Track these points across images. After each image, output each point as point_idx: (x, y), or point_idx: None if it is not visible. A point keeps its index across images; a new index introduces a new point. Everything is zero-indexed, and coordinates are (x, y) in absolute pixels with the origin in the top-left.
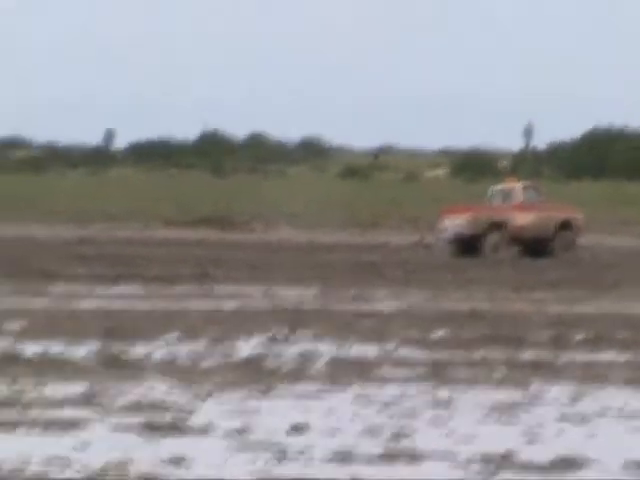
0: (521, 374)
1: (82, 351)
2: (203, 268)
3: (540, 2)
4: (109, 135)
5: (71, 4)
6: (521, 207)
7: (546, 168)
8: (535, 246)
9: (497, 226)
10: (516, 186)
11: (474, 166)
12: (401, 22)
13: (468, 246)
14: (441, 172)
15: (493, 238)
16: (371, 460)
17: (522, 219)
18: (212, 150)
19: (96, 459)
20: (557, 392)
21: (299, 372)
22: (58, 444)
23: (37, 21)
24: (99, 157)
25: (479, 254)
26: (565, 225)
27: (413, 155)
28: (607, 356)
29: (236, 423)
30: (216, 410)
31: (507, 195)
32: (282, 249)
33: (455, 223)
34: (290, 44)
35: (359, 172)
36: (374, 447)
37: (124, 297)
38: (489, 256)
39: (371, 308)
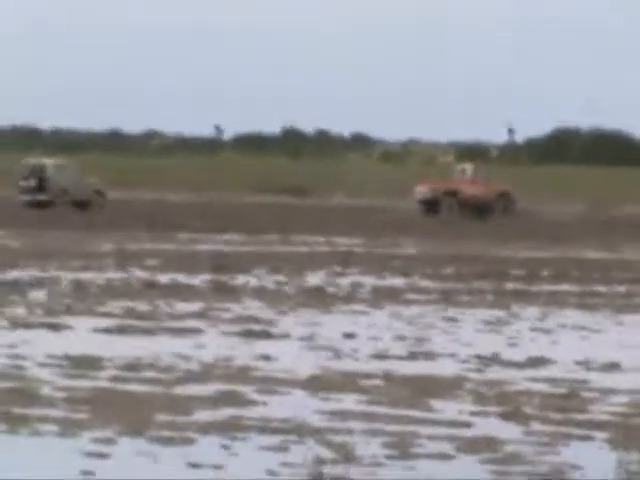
0: (504, 299)
1: (199, 280)
2: (283, 223)
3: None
4: (218, 129)
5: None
6: (470, 181)
7: (523, 156)
8: (481, 209)
9: (451, 194)
10: (468, 167)
11: (472, 154)
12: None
13: (430, 207)
14: (449, 158)
15: (447, 202)
16: (400, 358)
17: (470, 189)
18: (291, 140)
19: (208, 355)
20: (530, 312)
21: (350, 296)
22: (182, 345)
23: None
24: (213, 145)
25: (438, 214)
26: (502, 195)
27: (431, 145)
28: (564, 287)
29: (306, 331)
30: (292, 322)
31: (464, 172)
32: (339, 211)
33: (421, 190)
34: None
35: (393, 157)
36: (402, 349)
37: (229, 243)
38: (445, 215)
39: (398, 252)
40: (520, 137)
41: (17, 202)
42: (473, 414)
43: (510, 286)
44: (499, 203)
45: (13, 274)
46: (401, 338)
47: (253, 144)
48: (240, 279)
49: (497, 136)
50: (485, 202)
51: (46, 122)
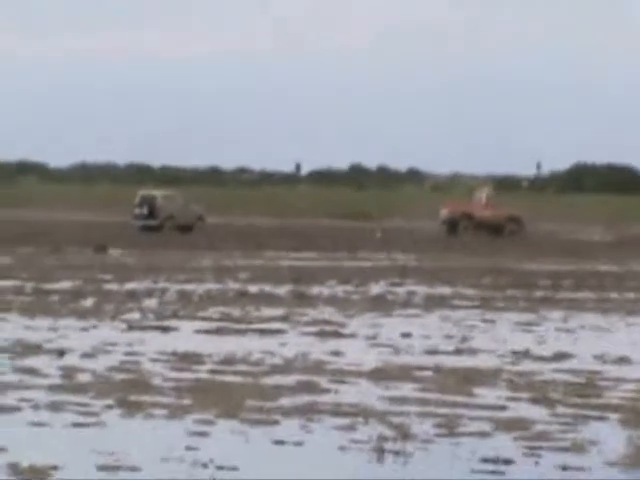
0: (533, 304)
1: (282, 290)
2: (351, 242)
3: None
4: (297, 166)
5: None
6: (483, 206)
7: (549, 187)
8: (492, 230)
9: (467, 216)
10: (483, 194)
11: (506, 185)
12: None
13: (451, 227)
14: (487, 189)
15: (464, 223)
16: (448, 353)
17: (483, 213)
18: (356, 175)
19: (290, 352)
20: (555, 315)
21: (406, 302)
22: (268, 343)
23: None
24: (291, 179)
25: (457, 233)
26: (512, 219)
27: (472, 177)
28: (583, 294)
29: (370, 331)
30: (358, 324)
31: (479, 198)
32: (396, 232)
33: (443, 213)
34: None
35: (441, 188)
36: (450, 346)
37: (306, 259)
38: (462, 235)
39: (446, 265)
40: (546, 170)
41: (132, 227)
42: (508, 399)
43: (538, 294)
44: (508, 225)
45: (130, 285)
46: (449, 337)
47: (325, 178)
48: (315, 289)
49: (527, 169)
50: (495, 224)
51: (156, 160)
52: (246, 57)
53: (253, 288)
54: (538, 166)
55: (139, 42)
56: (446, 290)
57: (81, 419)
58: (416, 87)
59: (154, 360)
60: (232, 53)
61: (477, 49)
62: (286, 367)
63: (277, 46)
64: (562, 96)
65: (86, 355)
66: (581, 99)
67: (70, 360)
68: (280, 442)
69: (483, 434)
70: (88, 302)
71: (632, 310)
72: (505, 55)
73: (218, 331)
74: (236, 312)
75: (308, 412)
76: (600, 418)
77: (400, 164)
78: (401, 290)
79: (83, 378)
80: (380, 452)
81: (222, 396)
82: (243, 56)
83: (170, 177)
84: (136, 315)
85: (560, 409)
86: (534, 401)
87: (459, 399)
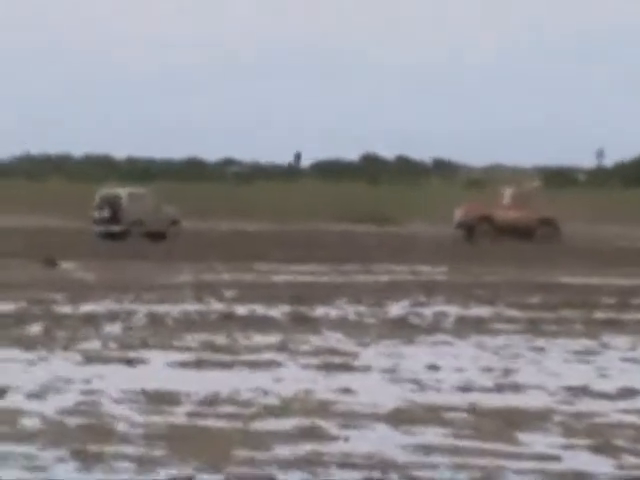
0: (593, 328)
1: (278, 311)
2: (364, 251)
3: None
4: (298, 156)
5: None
6: (506, 206)
7: (614, 180)
8: (518, 235)
9: (485, 219)
10: (507, 191)
11: (559, 178)
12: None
13: (467, 232)
14: (536, 183)
15: (481, 227)
16: (486, 390)
17: (506, 214)
18: (370, 167)
19: (288, 389)
20: (620, 341)
21: (434, 326)
22: (261, 378)
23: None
24: (291, 172)
25: (474, 239)
26: (545, 221)
27: (515, 170)
28: None
29: (388, 363)
30: (374, 354)
31: (503, 197)
32: (419, 239)
33: (457, 215)
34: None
35: (477, 183)
36: (488, 381)
37: (308, 273)
38: (479, 240)
39: (482, 279)
40: (609, 161)
41: (91, 234)
42: (562, 447)
43: (599, 315)
44: (540, 229)
45: (88, 307)
46: (487, 369)
47: (332, 171)
48: (320, 310)
49: (585, 161)
50: (523, 227)
51: (121, 151)
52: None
53: (241, 309)
54: (599, 155)
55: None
56: (483, 311)
57: (27, 475)
58: (445, 59)
59: (118, 401)
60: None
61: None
62: (283, 408)
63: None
64: (625, 72)
65: (33, 395)
66: None
67: (13, 401)
68: None
69: None
70: (35, 328)
71: None
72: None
73: (198, 364)
74: (220, 340)
75: (311, 465)
76: None
77: (424, 154)
78: (427, 311)
79: (29, 423)
80: None
81: (203, 445)
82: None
83: (138, 171)
84: (95, 344)
85: (628, 459)
86: (595, 450)
87: (500, 447)
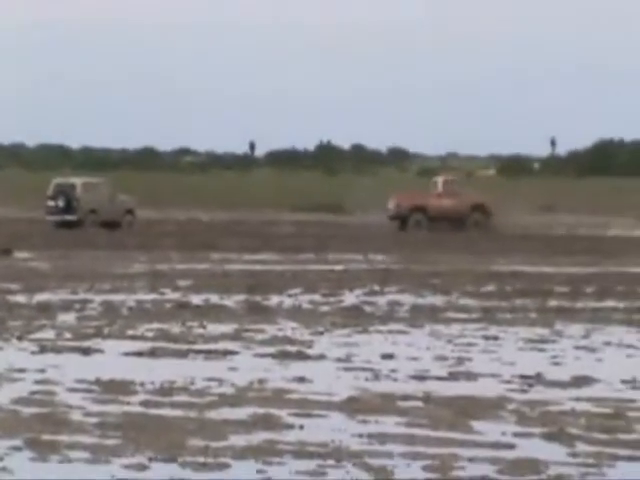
0: (546, 316)
1: (232, 301)
2: (319, 241)
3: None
4: (252, 145)
5: None
6: (439, 195)
7: (568, 169)
8: (452, 224)
9: (419, 209)
10: (439, 180)
11: (513, 167)
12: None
13: (401, 222)
14: (490, 172)
15: (415, 218)
16: (441, 379)
17: (440, 203)
18: (326, 156)
19: (242, 378)
20: (574, 330)
21: (388, 315)
22: (216, 368)
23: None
24: (246, 161)
25: (407, 229)
26: (477, 207)
27: (470, 159)
28: (609, 303)
29: (342, 352)
30: (328, 343)
31: (435, 186)
32: (374, 228)
33: (391, 206)
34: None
35: (431, 172)
36: (442, 369)
37: (262, 262)
38: (411, 231)
39: (436, 268)
40: (562, 150)
41: (45, 223)
42: (516, 435)
43: (553, 303)
44: (472, 217)
45: (42, 297)
46: (441, 358)
47: (287, 160)
48: (274, 299)
49: (539, 150)
50: (456, 216)
51: (75, 141)
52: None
53: (196, 299)
54: (552, 144)
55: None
56: (437, 299)
57: None
58: (395, 48)
59: (72, 390)
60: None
61: None
62: (238, 397)
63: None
64: (577, 66)
65: None
66: (598, 68)
67: None
68: None
69: (484, 479)
70: None
71: None
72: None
73: (152, 353)
74: (175, 329)
75: (265, 453)
76: (630, 458)
77: (379, 143)
78: (381, 300)
79: None
80: None
81: (158, 434)
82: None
83: (93, 161)
84: (50, 334)
85: (581, 447)
86: (548, 437)
87: (455, 436)
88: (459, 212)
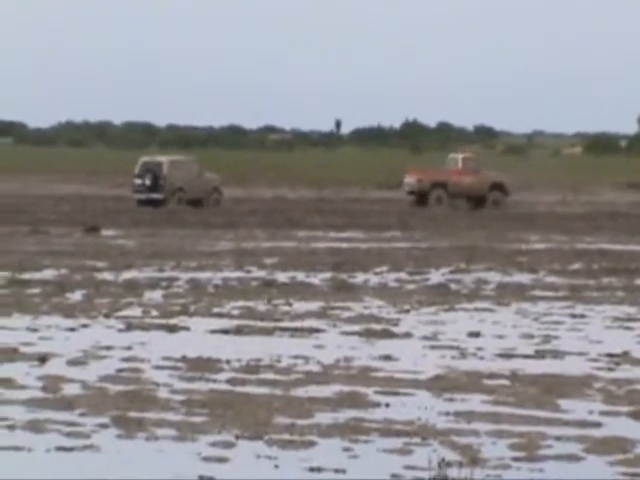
0: (633, 295)
1: (318, 279)
2: (405, 220)
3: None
4: (338, 123)
5: None
6: (459, 172)
7: None
8: (471, 201)
9: (440, 185)
10: (459, 156)
11: (600, 145)
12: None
13: (420, 199)
14: (577, 149)
15: (436, 193)
16: (527, 357)
17: (460, 180)
18: (412, 134)
19: (328, 356)
20: None
21: (474, 293)
22: (302, 345)
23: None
24: (331, 139)
25: (427, 205)
26: (495, 186)
27: (556, 137)
28: None
29: (429, 330)
30: (414, 321)
31: (454, 162)
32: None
33: (408, 182)
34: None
35: (517, 150)
36: (529, 348)
37: (348, 240)
38: (433, 207)
39: (522, 246)
40: None
41: (132, 201)
42: (603, 414)
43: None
44: (491, 195)
45: (129, 274)
46: (527, 336)
47: (372, 138)
48: (360, 277)
49: (626, 127)
50: (475, 194)
51: (161, 119)
52: None
53: (282, 277)
54: (639, 121)
55: None
56: (524, 277)
57: (67, 442)
58: (486, 28)
59: (159, 367)
60: None
61: None
62: (324, 375)
63: None
64: None
65: (74, 362)
66: None
67: (54, 368)
68: (316, 469)
69: (571, 458)
70: (76, 295)
71: None
72: None
73: (238, 331)
74: (261, 307)
75: (351, 432)
76: None
77: (466, 121)
78: (467, 278)
79: (70, 390)
80: None
81: (244, 412)
82: None
83: (179, 139)
84: (136, 311)
85: None
86: (636, 416)
87: (541, 414)
88: (478, 190)
